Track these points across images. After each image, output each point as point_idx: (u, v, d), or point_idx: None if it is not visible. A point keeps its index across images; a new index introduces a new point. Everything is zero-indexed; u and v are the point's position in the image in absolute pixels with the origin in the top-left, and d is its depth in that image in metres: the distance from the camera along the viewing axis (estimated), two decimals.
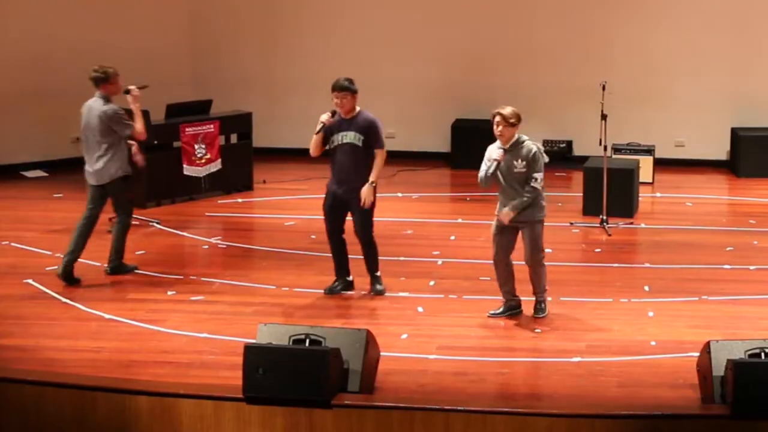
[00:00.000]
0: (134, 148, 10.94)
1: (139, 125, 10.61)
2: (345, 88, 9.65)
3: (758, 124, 15.38)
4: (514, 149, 9.32)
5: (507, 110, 9.31)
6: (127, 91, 10.77)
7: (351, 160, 9.72)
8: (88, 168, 10.63)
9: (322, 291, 10.11)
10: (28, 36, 15.10)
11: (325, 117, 9.67)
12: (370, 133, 9.73)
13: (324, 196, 10.04)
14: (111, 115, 10.44)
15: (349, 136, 9.70)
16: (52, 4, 15.28)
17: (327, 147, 9.86)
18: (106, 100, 10.56)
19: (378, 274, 10.07)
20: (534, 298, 9.55)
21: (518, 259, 9.56)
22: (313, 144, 9.79)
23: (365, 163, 9.76)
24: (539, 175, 9.34)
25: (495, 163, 9.32)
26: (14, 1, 15.08)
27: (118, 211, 10.77)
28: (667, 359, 8.64)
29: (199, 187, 13.62)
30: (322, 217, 10.06)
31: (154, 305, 9.87)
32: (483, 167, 9.41)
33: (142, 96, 10.86)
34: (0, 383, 8.01)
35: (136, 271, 10.74)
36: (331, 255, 10.15)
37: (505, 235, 9.46)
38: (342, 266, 10.08)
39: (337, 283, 10.10)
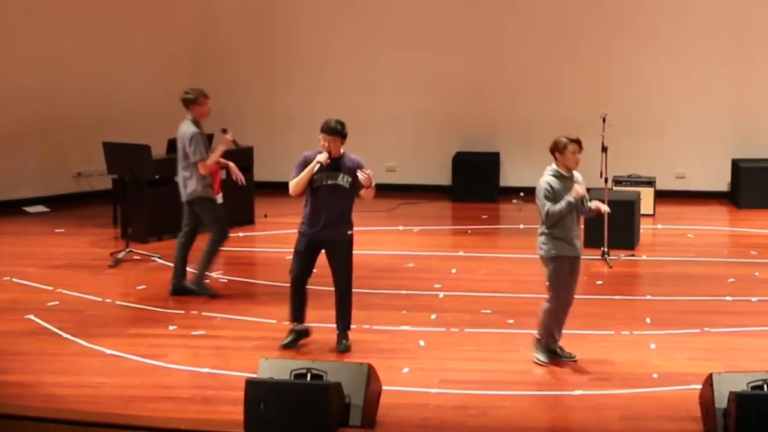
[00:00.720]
0: (231, 167, 11.33)
1: (210, 161, 11.03)
2: (336, 132, 9.35)
3: (759, 155, 15.42)
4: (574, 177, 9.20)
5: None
6: (225, 131, 11.20)
7: (337, 202, 9.46)
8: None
9: (319, 325, 9.88)
10: (30, 73, 15.19)
11: (323, 158, 9.35)
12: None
13: (297, 239, 9.65)
14: (190, 136, 10.93)
15: (337, 178, 9.44)
16: (55, 41, 15.38)
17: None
18: (195, 122, 11.02)
19: (349, 330, 9.66)
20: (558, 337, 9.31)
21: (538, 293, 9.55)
22: (301, 182, 9.46)
23: (350, 205, 9.57)
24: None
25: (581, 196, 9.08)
26: (17, 39, 15.16)
27: (209, 229, 11.13)
28: (670, 392, 8.62)
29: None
30: (292, 257, 9.69)
31: (155, 340, 9.85)
32: (549, 203, 8.92)
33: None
34: (1, 419, 7.98)
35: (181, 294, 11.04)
36: (292, 298, 9.65)
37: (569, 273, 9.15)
38: (304, 310, 9.65)
39: (296, 331, 9.64)
